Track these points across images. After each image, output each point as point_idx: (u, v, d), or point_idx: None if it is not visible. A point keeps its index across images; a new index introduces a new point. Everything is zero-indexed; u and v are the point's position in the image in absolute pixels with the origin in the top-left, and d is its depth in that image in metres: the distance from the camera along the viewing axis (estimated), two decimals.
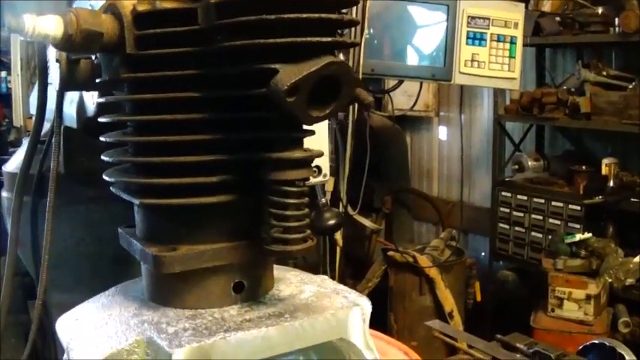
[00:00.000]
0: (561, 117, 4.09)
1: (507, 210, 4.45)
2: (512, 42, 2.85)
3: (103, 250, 1.53)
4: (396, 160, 4.51)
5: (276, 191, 0.93)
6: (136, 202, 1.02)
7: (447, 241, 4.26)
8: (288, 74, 0.83)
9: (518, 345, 2.19)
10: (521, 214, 4.34)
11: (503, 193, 4.48)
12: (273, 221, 0.94)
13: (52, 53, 1.25)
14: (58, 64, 1.14)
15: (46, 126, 1.44)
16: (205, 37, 0.90)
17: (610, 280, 3.52)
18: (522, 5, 2.95)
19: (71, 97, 1.41)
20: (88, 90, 1.26)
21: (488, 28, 2.82)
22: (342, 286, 1.13)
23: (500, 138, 4.62)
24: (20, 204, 1.47)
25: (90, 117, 1.35)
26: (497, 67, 2.84)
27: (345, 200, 3.20)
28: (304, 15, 0.85)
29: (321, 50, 0.87)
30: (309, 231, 0.96)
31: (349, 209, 3.41)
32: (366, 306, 1.06)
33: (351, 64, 2.49)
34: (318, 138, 1.10)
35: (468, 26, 2.79)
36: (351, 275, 3.93)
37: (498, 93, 4.51)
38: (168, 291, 1.02)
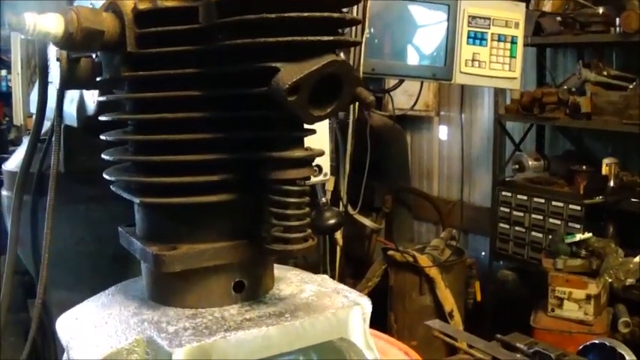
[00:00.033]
0: (562, 117, 4.09)
1: (507, 210, 4.45)
2: (513, 42, 2.85)
3: (103, 249, 1.53)
4: (397, 160, 4.50)
5: (276, 190, 0.93)
6: (137, 201, 1.01)
7: (447, 240, 4.26)
8: (289, 73, 0.83)
9: (518, 345, 2.19)
10: (522, 214, 4.34)
11: (504, 193, 4.48)
12: (273, 220, 0.94)
13: (52, 52, 1.25)
14: (58, 63, 1.14)
15: (47, 125, 1.43)
16: (206, 35, 0.90)
17: (610, 280, 3.52)
18: (523, 5, 2.95)
19: (71, 96, 1.41)
20: (88, 89, 1.26)
21: (489, 28, 2.82)
22: (342, 286, 1.13)
23: (501, 138, 4.62)
24: (20, 203, 1.47)
25: (90, 116, 1.35)
26: (497, 66, 2.84)
27: (345, 199, 3.20)
28: (305, 14, 0.85)
29: (323, 49, 0.87)
30: (309, 230, 0.96)
31: (349, 208, 3.41)
32: (366, 305, 1.05)
33: (351, 63, 2.49)
34: (319, 137, 1.10)
35: (468, 26, 2.79)
36: (351, 275, 3.93)
37: (499, 93, 4.51)
38: (168, 290, 1.02)
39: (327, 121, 1.64)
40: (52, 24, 0.91)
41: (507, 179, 4.59)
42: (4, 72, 6.32)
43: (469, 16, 2.78)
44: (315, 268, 3.08)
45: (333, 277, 2.71)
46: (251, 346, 0.93)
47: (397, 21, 2.86)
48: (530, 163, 4.44)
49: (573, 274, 3.56)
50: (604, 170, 3.92)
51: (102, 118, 1.06)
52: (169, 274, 0.96)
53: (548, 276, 3.62)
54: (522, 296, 4.26)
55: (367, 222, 4.00)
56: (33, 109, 1.51)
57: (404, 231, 4.50)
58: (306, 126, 0.97)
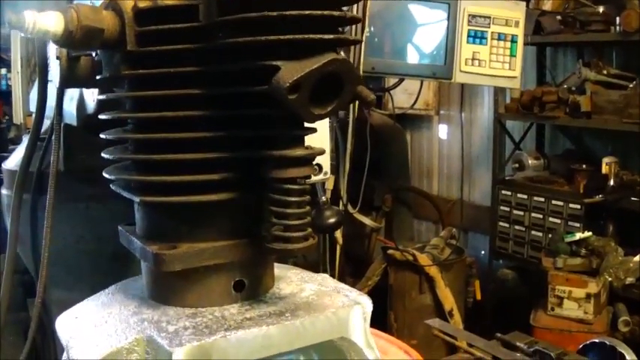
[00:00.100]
0: (562, 116, 4.09)
1: (507, 209, 4.45)
2: (513, 40, 2.85)
3: (103, 247, 1.52)
4: (397, 159, 4.50)
5: (277, 189, 0.92)
6: (136, 199, 1.01)
7: (447, 239, 4.26)
8: (290, 71, 0.82)
9: (518, 344, 2.19)
10: (522, 213, 4.34)
11: (504, 192, 4.48)
12: (274, 219, 0.93)
13: (52, 50, 1.24)
14: (58, 61, 1.13)
15: (46, 123, 1.43)
16: (207, 33, 0.90)
17: (610, 279, 3.52)
18: (523, 4, 2.95)
19: (71, 95, 1.41)
20: (88, 87, 1.26)
21: (489, 27, 2.82)
22: (342, 285, 1.13)
23: (501, 136, 4.62)
24: (20, 201, 1.47)
25: (90, 114, 1.35)
26: (497, 65, 2.84)
27: (345, 198, 3.20)
28: (306, 12, 0.84)
29: (323, 47, 0.87)
30: (310, 229, 0.96)
31: (349, 207, 3.41)
32: (367, 305, 1.05)
33: (351, 62, 2.48)
34: (319, 136, 1.10)
35: (468, 25, 2.79)
36: (350, 274, 3.92)
37: (499, 91, 4.51)
38: (168, 289, 1.02)
39: (327, 120, 1.64)
40: (52, 22, 0.90)
41: (507, 178, 4.59)
42: (3, 70, 6.31)
43: (469, 15, 2.78)
44: (314, 267, 3.07)
45: (332, 276, 2.71)
46: (251, 346, 0.92)
47: (397, 20, 2.86)
48: (530, 162, 4.44)
49: (573, 273, 3.56)
50: (604, 169, 3.93)
51: (102, 116, 1.05)
52: (169, 273, 0.96)
53: (548, 275, 3.62)
54: (522, 295, 4.26)
55: (367, 221, 4.00)
56: (33, 107, 1.52)
57: (404, 230, 4.50)
58: (306, 125, 0.97)
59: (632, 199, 3.78)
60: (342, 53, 0.92)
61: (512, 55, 2.85)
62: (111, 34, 0.93)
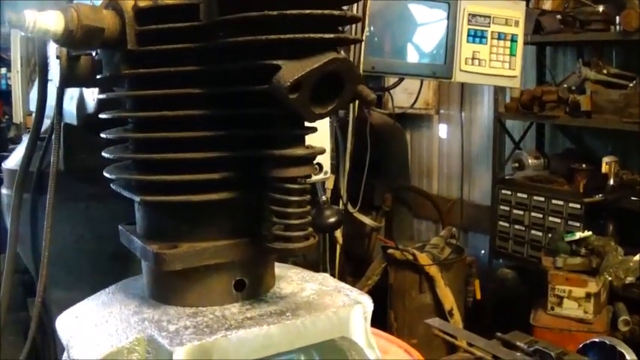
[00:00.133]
0: (562, 115, 4.09)
1: (507, 208, 4.44)
2: (513, 40, 2.85)
3: (103, 247, 1.52)
4: (396, 158, 4.49)
5: (278, 188, 0.92)
6: (137, 199, 1.01)
7: (446, 239, 4.26)
8: (290, 71, 0.82)
9: (518, 343, 2.18)
10: (521, 212, 4.34)
11: (504, 191, 4.48)
12: (274, 219, 0.93)
13: (52, 49, 1.24)
14: (58, 61, 1.13)
15: (46, 123, 1.43)
16: (207, 33, 0.90)
17: (610, 279, 3.52)
18: (523, 3, 2.95)
19: (71, 94, 1.40)
20: (88, 86, 1.26)
21: (489, 26, 2.82)
22: (343, 284, 1.13)
23: (501, 136, 4.62)
24: (20, 201, 1.47)
25: (90, 113, 1.35)
26: (497, 65, 2.84)
27: (345, 198, 3.20)
28: (307, 11, 0.84)
29: (324, 47, 0.87)
30: (310, 229, 0.96)
31: (349, 207, 3.41)
32: (367, 304, 1.05)
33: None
34: (320, 135, 1.09)
35: (468, 24, 2.79)
36: (350, 273, 3.92)
37: (499, 91, 4.50)
38: (169, 289, 1.02)
39: (327, 119, 1.64)
40: (52, 21, 0.90)
41: (507, 177, 4.59)
42: (3, 70, 6.31)
43: (469, 14, 2.78)
44: (314, 266, 3.07)
45: (332, 275, 2.71)
46: (252, 345, 0.92)
47: (397, 19, 2.86)
48: (530, 161, 4.44)
49: (573, 273, 3.56)
50: (604, 169, 3.93)
51: (102, 115, 1.05)
52: (170, 272, 0.96)
53: (548, 274, 3.61)
54: (522, 294, 4.25)
55: (367, 220, 4.00)
56: (33, 107, 1.52)
57: (404, 229, 4.50)
58: (307, 124, 0.97)
59: (632, 198, 3.78)
60: (342, 52, 0.92)
61: (512, 54, 2.85)
62: (111, 33, 0.93)
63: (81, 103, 1.39)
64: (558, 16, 4.11)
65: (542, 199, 4.20)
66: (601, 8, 3.91)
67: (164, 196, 0.97)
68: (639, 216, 3.70)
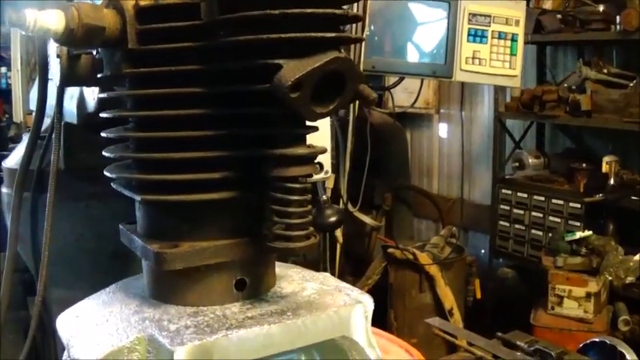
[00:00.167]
0: (562, 115, 4.09)
1: (507, 207, 4.44)
2: (514, 39, 2.85)
3: (103, 246, 1.52)
4: (397, 157, 4.49)
5: (279, 188, 0.92)
6: (138, 198, 1.01)
7: (447, 238, 4.26)
8: (291, 70, 0.82)
9: (518, 343, 2.18)
10: (522, 212, 4.34)
11: (504, 191, 4.48)
12: (275, 218, 0.93)
13: (52, 48, 1.24)
14: (58, 60, 1.13)
15: (46, 122, 1.43)
16: (208, 32, 0.89)
17: (610, 278, 3.52)
18: (523, 3, 2.95)
19: (71, 93, 1.40)
20: (88, 85, 1.26)
21: (490, 26, 2.82)
22: (344, 284, 1.13)
23: (501, 135, 4.62)
24: (20, 200, 1.47)
25: (90, 113, 1.34)
26: (498, 64, 2.84)
27: (345, 197, 3.19)
28: (308, 10, 0.84)
29: (326, 46, 0.86)
30: (311, 228, 0.96)
31: (349, 206, 3.41)
32: (368, 303, 1.05)
33: None
34: (320, 134, 1.09)
35: (469, 23, 2.79)
36: (350, 272, 3.92)
37: (499, 90, 4.50)
38: (169, 288, 1.01)
39: (328, 118, 1.63)
40: (53, 20, 0.90)
41: (507, 177, 4.59)
42: (3, 69, 6.31)
43: (469, 14, 2.78)
44: (314, 265, 3.07)
45: (332, 274, 2.71)
46: (253, 345, 0.92)
47: (397, 18, 2.86)
48: (530, 160, 4.44)
49: (573, 272, 3.56)
50: (604, 168, 3.93)
51: (102, 114, 1.05)
52: (171, 271, 0.96)
53: (548, 274, 3.61)
54: (522, 294, 4.26)
55: (367, 219, 4.00)
56: (33, 106, 1.51)
57: (404, 228, 4.50)
58: (308, 123, 0.97)
59: (633, 198, 3.78)
60: (343, 52, 0.92)
61: (513, 53, 2.85)
62: (112, 32, 0.93)
63: (81, 102, 1.39)
64: (559, 16, 4.11)
65: (543, 198, 4.20)
66: (601, 8, 3.91)
67: (165, 195, 0.97)
68: (639, 216, 3.70)
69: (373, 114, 3.89)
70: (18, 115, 2.82)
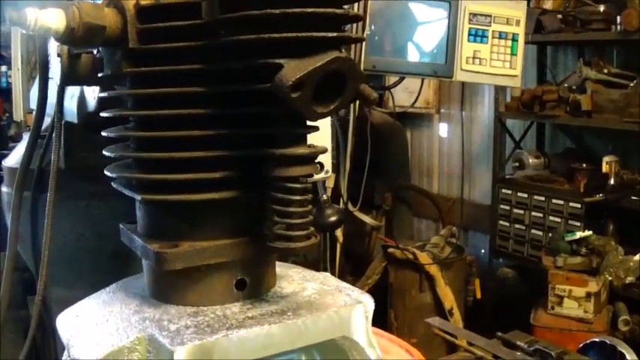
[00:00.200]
0: (562, 114, 4.09)
1: (508, 207, 4.45)
2: (514, 39, 2.85)
3: (103, 245, 1.52)
4: (397, 157, 4.50)
5: (279, 188, 0.92)
6: (138, 197, 1.01)
7: (447, 238, 4.26)
8: (292, 69, 0.82)
9: (518, 343, 2.18)
10: (522, 212, 4.34)
11: (504, 191, 4.48)
12: (276, 218, 0.93)
13: (53, 47, 1.24)
14: (59, 59, 1.13)
15: (47, 121, 1.43)
16: (209, 31, 0.89)
17: (610, 278, 3.52)
18: (524, 3, 2.95)
19: (72, 92, 1.40)
20: (89, 84, 1.26)
21: (490, 26, 2.81)
22: (344, 284, 1.12)
23: (501, 135, 4.62)
24: (20, 199, 1.47)
25: (91, 112, 1.34)
26: (498, 64, 2.84)
27: (345, 197, 3.19)
28: (309, 9, 0.84)
29: (327, 45, 0.86)
30: (312, 228, 0.96)
31: (350, 206, 3.41)
32: (368, 303, 1.05)
33: None
34: (321, 134, 1.09)
35: (469, 23, 2.79)
36: (350, 272, 3.92)
37: (499, 90, 4.50)
38: (169, 288, 1.01)
39: (328, 118, 1.63)
40: (54, 19, 0.90)
41: (507, 177, 4.59)
42: (4, 68, 6.31)
43: (470, 14, 2.78)
44: (314, 265, 3.07)
45: (333, 274, 2.70)
46: (253, 345, 0.92)
47: (398, 18, 2.86)
48: (530, 160, 4.44)
49: (573, 272, 3.56)
50: (604, 168, 3.93)
51: (103, 114, 1.05)
52: (171, 271, 0.96)
53: (548, 274, 3.62)
54: (522, 294, 4.26)
55: (367, 219, 4.00)
56: (33, 105, 1.51)
57: (404, 228, 4.50)
58: (309, 123, 0.97)
59: (633, 198, 3.78)
60: (343, 51, 0.92)
61: (513, 53, 2.84)
62: (113, 31, 0.93)
63: (82, 101, 1.39)
64: (559, 16, 4.11)
65: (543, 198, 4.20)
66: (602, 8, 3.91)
67: (165, 194, 0.96)
68: (639, 216, 3.70)
69: (373, 114, 3.89)
70: (18, 114, 2.81)
